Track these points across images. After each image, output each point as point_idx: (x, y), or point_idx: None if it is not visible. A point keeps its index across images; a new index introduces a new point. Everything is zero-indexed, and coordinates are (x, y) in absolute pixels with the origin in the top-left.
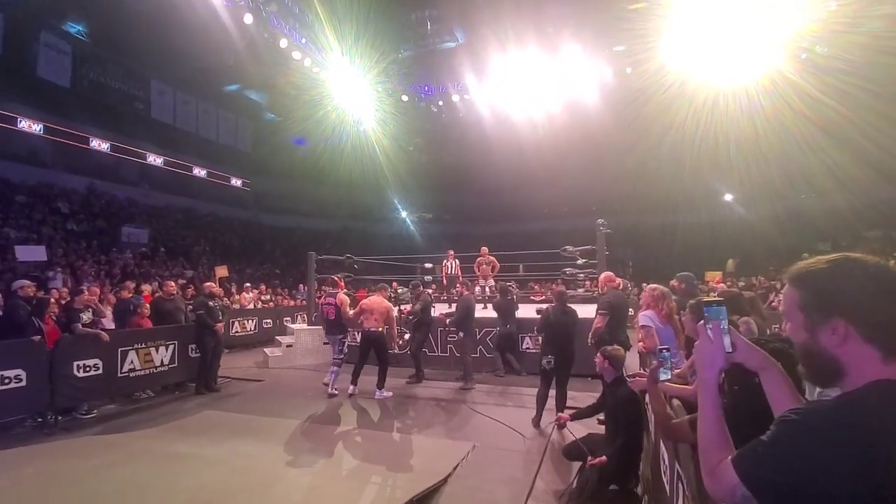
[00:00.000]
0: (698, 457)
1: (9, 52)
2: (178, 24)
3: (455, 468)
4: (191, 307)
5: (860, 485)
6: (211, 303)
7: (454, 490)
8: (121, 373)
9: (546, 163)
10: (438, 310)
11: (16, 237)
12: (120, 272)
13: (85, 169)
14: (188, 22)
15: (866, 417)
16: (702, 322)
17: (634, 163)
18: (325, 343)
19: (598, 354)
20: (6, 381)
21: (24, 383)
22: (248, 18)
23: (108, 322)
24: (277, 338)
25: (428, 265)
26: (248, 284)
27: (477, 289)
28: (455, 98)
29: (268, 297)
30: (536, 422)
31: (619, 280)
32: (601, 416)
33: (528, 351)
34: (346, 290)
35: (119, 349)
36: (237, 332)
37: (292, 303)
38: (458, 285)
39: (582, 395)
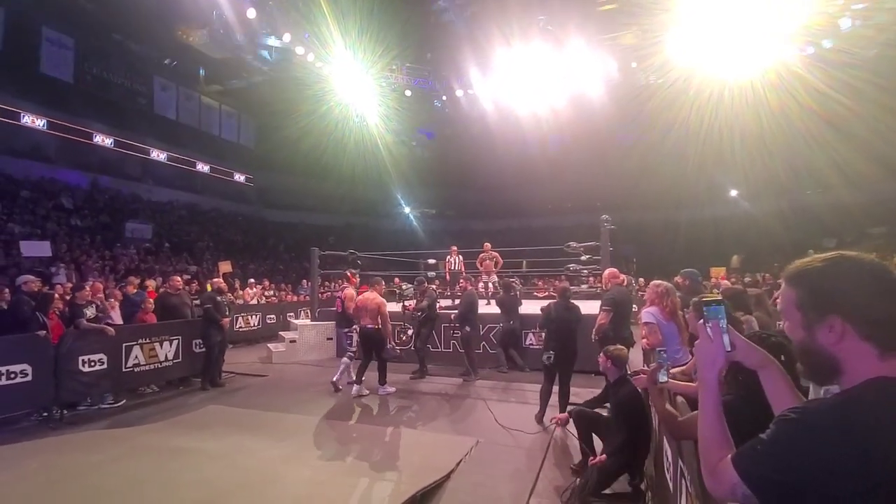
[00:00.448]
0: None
1: (11, 47)
2: (180, 19)
3: (458, 464)
4: (198, 302)
5: (859, 483)
6: (219, 298)
7: (457, 485)
8: (125, 368)
9: (550, 158)
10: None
11: (20, 232)
12: (124, 268)
13: (88, 164)
14: (191, 16)
15: (864, 416)
16: (701, 321)
17: (639, 158)
18: (328, 339)
19: (601, 354)
20: (12, 375)
21: (29, 378)
22: (252, 13)
23: (116, 318)
24: (281, 333)
25: (431, 261)
26: (251, 280)
27: (480, 285)
28: (459, 93)
29: (271, 292)
30: (540, 418)
31: (623, 276)
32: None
33: (531, 347)
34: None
35: (124, 344)
36: (241, 327)
37: (295, 298)
38: (461, 280)
39: (585, 392)
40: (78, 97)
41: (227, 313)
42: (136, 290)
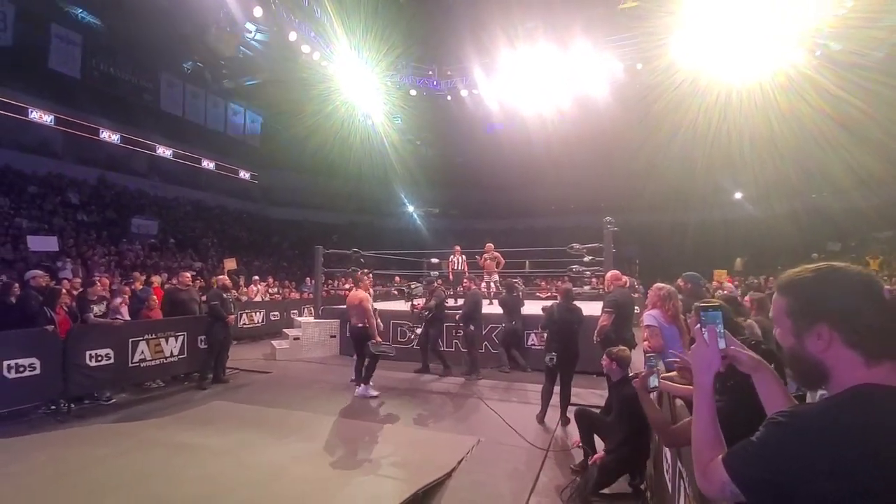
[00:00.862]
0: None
1: (20, 42)
2: (187, 16)
3: (460, 462)
4: (204, 299)
5: (844, 486)
6: (225, 295)
7: (459, 484)
8: (132, 363)
9: (554, 159)
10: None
11: (28, 227)
12: (129, 263)
13: (95, 160)
14: (198, 14)
15: (849, 420)
16: (698, 326)
17: (644, 160)
18: (331, 336)
19: (605, 356)
20: (21, 369)
21: (38, 371)
22: (258, 11)
23: (125, 314)
24: (285, 330)
25: (434, 260)
26: (255, 277)
27: (482, 284)
28: (464, 93)
29: (275, 289)
30: (541, 418)
31: (625, 278)
32: None
33: (533, 347)
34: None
35: (130, 340)
36: (245, 323)
37: (299, 296)
38: (465, 280)
39: (586, 392)
40: (85, 93)
41: (233, 310)
42: (141, 287)
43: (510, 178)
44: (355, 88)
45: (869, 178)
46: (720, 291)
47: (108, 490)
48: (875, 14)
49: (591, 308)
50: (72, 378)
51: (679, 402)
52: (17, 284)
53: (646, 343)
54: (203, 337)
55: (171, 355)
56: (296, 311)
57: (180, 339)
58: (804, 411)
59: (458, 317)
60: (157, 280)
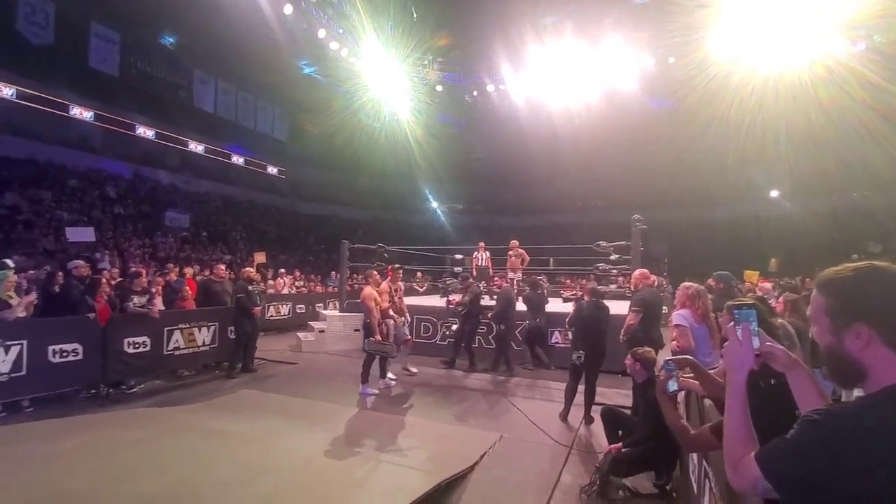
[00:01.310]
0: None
1: (61, 41)
2: (220, 15)
3: (482, 456)
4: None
5: (879, 485)
6: (250, 287)
7: (481, 478)
8: (166, 351)
9: (581, 154)
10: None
11: (68, 219)
12: (163, 255)
13: (131, 155)
14: (229, 12)
15: (885, 420)
16: (731, 324)
17: (674, 155)
18: (356, 330)
19: (629, 356)
20: (65, 354)
21: (80, 357)
22: (288, 9)
23: (159, 304)
24: (310, 323)
25: (458, 256)
26: (282, 270)
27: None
28: (490, 88)
29: (301, 283)
30: (564, 416)
31: (653, 277)
32: None
33: (556, 345)
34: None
35: (165, 328)
36: (272, 316)
37: (323, 290)
38: (495, 278)
39: (611, 392)
40: (123, 90)
41: (259, 302)
42: (176, 278)
43: (536, 175)
44: (382, 84)
45: None
46: (753, 293)
47: (143, 471)
48: None
49: (617, 307)
50: (110, 364)
51: (708, 401)
52: (60, 273)
53: (674, 343)
54: (232, 328)
55: (203, 344)
56: (321, 305)
57: (212, 329)
58: (839, 410)
59: (490, 315)
60: (189, 272)
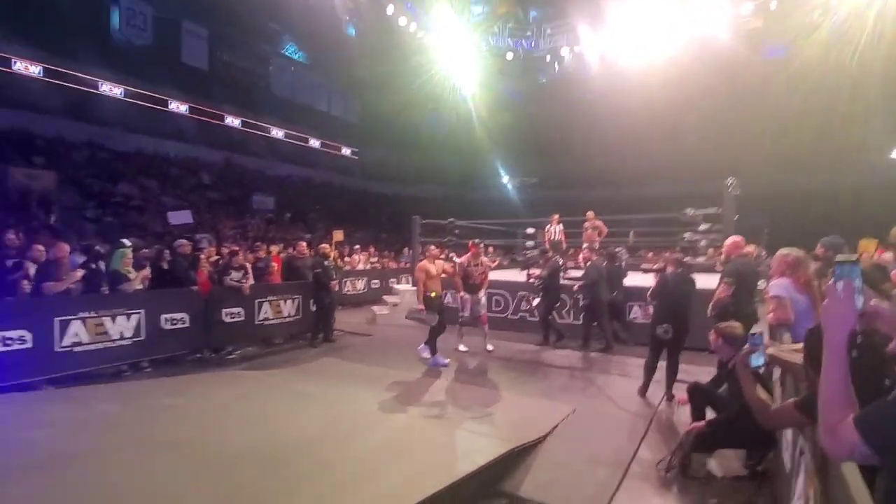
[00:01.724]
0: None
1: (158, 41)
2: (293, 3)
3: (555, 427)
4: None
5: None
6: (326, 262)
7: (554, 447)
8: (257, 321)
9: (668, 120)
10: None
11: (172, 205)
12: (252, 235)
13: (221, 143)
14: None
15: None
16: (832, 281)
17: (778, 116)
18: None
19: (712, 331)
20: (175, 322)
21: (187, 325)
22: None
23: (251, 279)
24: (384, 297)
25: (530, 230)
26: (357, 247)
27: (581, 255)
28: (564, 51)
29: (375, 259)
30: (643, 391)
31: (750, 247)
32: None
33: (635, 321)
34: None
35: (256, 300)
36: (348, 291)
37: (396, 265)
38: (584, 251)
39: (693, 368)
40: (212, 83)
41: (334, 277)
42: (264, 255)
43: (614, 144)
44: (451, 57)
45: None
46: (886, 255)
47: (243, 422)
48: None
49: (704, 281)
50: (212, 331)
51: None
52: (167, 251)
53: (770, 315)
54: (312, 300)
55: (288, 315)
56: (394, 280)
57: (296, 301)
58: None
59: (575, 287)
60: (274, 249)
